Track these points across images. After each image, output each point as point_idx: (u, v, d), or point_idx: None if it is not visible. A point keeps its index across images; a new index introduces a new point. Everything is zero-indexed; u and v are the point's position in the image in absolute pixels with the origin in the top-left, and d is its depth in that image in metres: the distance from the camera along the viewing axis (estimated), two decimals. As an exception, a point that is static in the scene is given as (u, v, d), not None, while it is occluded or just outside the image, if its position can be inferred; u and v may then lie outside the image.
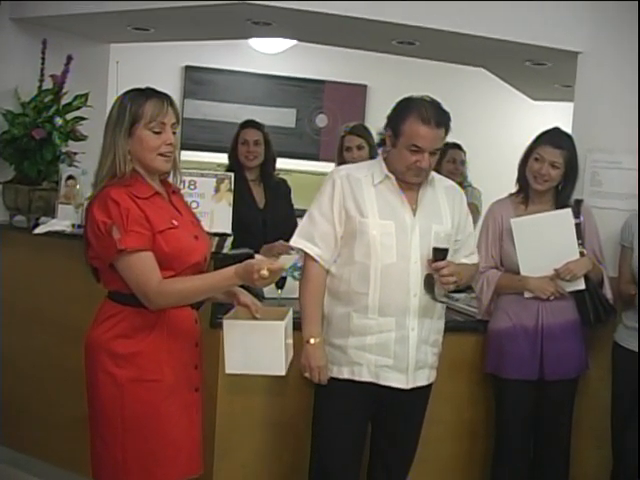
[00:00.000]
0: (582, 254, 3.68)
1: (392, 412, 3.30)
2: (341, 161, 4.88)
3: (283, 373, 2.73)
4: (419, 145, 3.09)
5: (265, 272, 2.54)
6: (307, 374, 3.20)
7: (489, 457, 3.87)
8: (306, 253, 3.22)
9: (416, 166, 3.12)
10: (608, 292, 3.78)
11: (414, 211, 3.19)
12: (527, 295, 3.69)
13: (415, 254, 3.15)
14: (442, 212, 3.26)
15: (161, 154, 2.72)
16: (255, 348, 2.68)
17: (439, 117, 3.11)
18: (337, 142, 5.04)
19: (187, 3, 4.20)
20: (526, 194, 3.80)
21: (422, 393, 3.30)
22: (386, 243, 3.14)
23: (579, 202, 3.83)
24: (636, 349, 3.69)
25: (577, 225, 3.70)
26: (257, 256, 3.71)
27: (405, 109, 3.14)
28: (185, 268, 2.70)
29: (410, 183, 3.20)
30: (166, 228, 2.68)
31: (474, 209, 5.22)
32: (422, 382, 3.25)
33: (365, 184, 3.19)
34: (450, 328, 3.41)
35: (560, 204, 3.75)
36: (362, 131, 4.94)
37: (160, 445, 2.68)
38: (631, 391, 3.71)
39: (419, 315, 3.16)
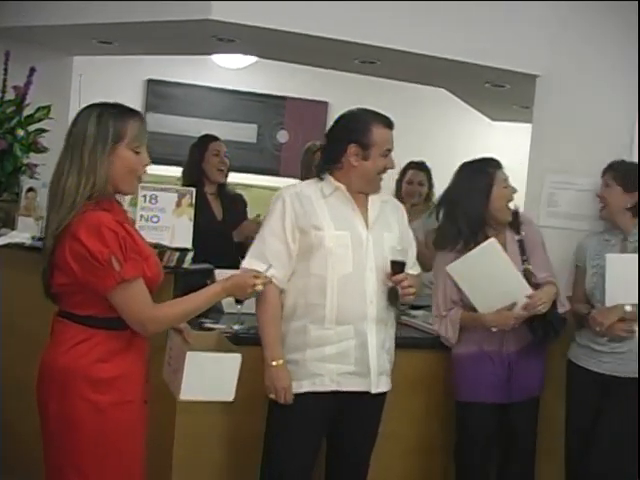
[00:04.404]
0: (528, 271, 3.66)
1: (350, 421, 3.29)
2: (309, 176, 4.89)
3: (231, 399, 2.82)
4: (390, 148, 3.25)
5: (260, 287, 2.76)
6: (272, 395, 3.17)
7: (445, 473, 3.89)
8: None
9: (386, 168, 3.26)
10: (560, 305, 3.72)
11: (366, 220, 3.24)
12: (494, 330, 3.63)
13: (370, 263, 3.19)
14: (390, 222, 3.32)
15: (138, 177, 2.63)
16: (211, 377, 2.73)
17: (389, 119, 3.29)
18: (303, 157, 5.09)
19: (152, 18, 4.21)
20: (483, 233, 3.66)
21: (378, 401, 3.32)
22: (342, 254, 3.17)
23: (516, 214, 3.75)
24: (589, 366, 3.76)
25: (520, 241, 3.71)
26: (217, 271, 3.74)
27: (363, 122, 3.22)
28: (153, 290, 2.63)
29: (368, 193, 3.26)
30: (149, 254, 2.65)
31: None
32: (384, 388, 3.28)
33: (315, 199, 3.22)
34: (408, 344, 3.44)
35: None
36: None
37: (133, 463, 2.64)
38: (585, 408, 3.77)
39: (376, 322, 3.20)
